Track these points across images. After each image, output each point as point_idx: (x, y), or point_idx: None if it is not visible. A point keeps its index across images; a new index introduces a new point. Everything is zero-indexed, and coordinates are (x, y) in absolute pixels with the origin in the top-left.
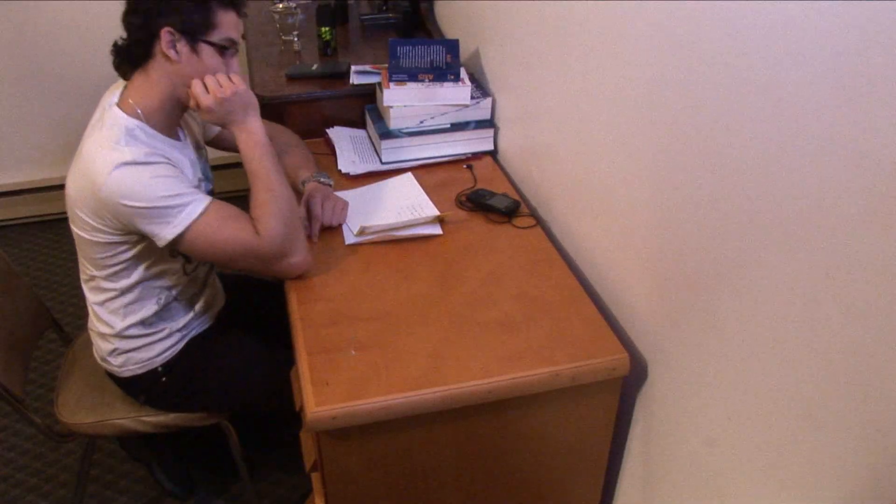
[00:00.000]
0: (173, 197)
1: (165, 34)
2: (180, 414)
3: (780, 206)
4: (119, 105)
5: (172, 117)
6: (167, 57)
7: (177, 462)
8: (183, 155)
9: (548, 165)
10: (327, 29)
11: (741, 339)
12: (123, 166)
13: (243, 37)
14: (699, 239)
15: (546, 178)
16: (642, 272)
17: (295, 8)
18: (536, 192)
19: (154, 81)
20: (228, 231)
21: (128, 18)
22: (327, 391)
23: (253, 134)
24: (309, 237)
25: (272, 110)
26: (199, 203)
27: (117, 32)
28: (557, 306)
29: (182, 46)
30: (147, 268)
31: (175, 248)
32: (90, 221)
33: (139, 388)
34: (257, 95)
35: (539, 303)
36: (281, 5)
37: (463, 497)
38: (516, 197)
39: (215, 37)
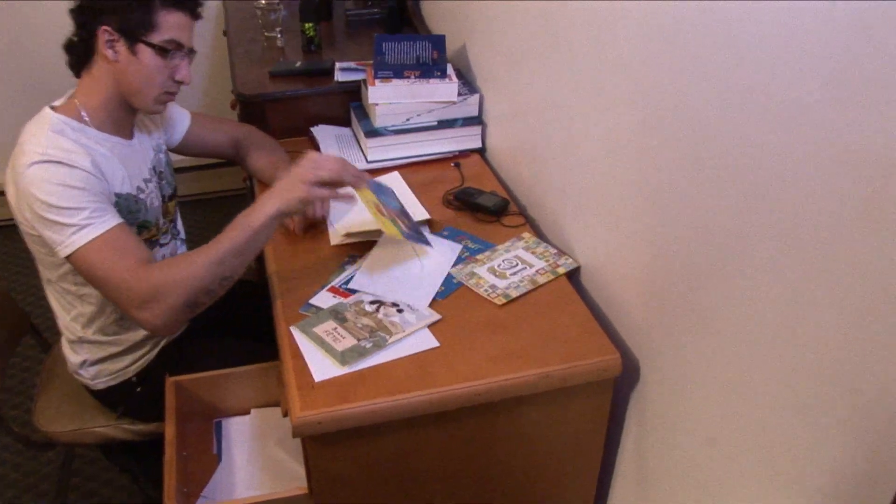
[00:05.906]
0: (73, 213)
1: (102, 33)
2: (161, 422)
3: (772, 204)
4: (64, 104)
5: (119, 116)
6: (107, 57)
7: (160, 469)
8: (130, 152)
9: (537, 163)
10: (311, 25)
11: (734, 338)
12: (42, 163)
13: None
14: (691, 238)
15: (535, 177)
16: (633, 271)
17: (278, 4)
18: (525, 191)
19: (97, 81)
20: (108, 264)
21: (73, 15)
22: (313, 395)
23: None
24: (292, 231)
25: (255, 108)
26: (94, 228)
27: None
28: (547, 307)
29: (120, 46)
30: None
31: None
32: (17, 215)
33: (115, 399)
34: (240, 94)
35: (529, 303)
36: (264, 1)
37: (454, 501)
38: (505, 195)
39: (156, 38)
